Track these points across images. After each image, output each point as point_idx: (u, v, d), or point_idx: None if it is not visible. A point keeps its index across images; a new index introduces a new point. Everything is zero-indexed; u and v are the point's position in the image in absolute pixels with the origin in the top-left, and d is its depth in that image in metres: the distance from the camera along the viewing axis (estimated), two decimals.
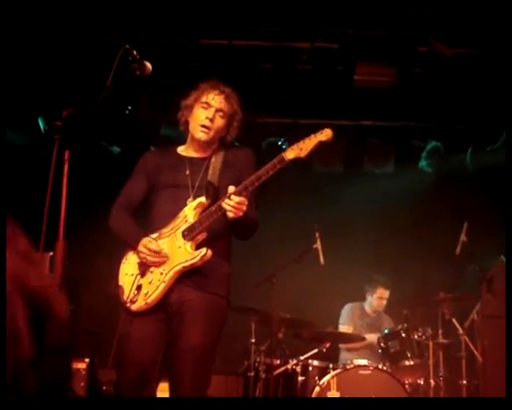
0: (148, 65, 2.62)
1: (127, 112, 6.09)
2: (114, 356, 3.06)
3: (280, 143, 6.57)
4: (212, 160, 3.19)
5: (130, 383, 3.00)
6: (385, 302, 6.10)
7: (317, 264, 5.18)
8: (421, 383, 5.26)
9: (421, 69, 5.70)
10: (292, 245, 5.70)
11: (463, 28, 5.09)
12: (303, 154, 2.96)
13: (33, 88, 5.44)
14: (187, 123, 3.25)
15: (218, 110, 3.16)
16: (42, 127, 5.52)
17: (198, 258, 2.98)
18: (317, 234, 5.16)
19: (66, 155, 2.20)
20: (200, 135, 3.17)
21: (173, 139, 3.46)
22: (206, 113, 3.15)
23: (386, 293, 6.07)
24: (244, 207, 2.94)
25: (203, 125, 3.16)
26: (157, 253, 3.03)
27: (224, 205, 2.94)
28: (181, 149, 3.31)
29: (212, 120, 3.15)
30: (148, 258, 3.03)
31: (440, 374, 5.19)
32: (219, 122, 3.18)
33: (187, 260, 3.00)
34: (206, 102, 3.16)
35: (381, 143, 6.76)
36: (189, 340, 2.96)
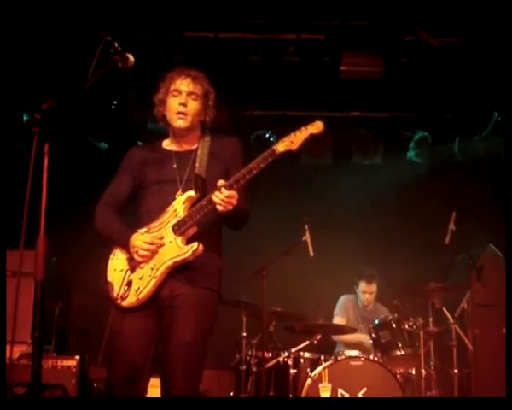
0: (131, 57, 2.59)
1: (113, 107, 6.04)
2: (104, 353, 3.04)
3: (268, 135, 6.55)
4: (199, 152, 3.16)
5: (121, 380, 2.98)
6: (368, 296, 6.04)
7: (307, 256, 5.17)
8: (413, 372, 5.28)
9: (408, 59, 5.69)
10: (281, 238, 5.69)
11: (450, 17, 5.08)
12: (294, 147, 2.94)
13: (12, 81, 5.37)
14: (164, 117, 3.21)
15: (189, 94, 3.13)
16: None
17: (190, 253, 2.95)
18: (307, 226, 5.16)
19: (46, 148, 2.16)
20: (179, 123, 3.14)
21: (160, 134, 3.43)
22: (178, 99, 3.13)
23: (370, 287, 6.01)
24: (234, 201, 2.92)
25: (178, 113, 3.13)
26: (151, 243, 2.99)
27: (213, 198, 2.91)
28: (166, 144, 3.28)
29: (185, 105, 3.12)
30: (140, 252, 2.99)
31: (432, 363, 5.20)
32: (193, 105, 3.14)
33: (178, 255, 2.97)
34: (176, 90, 3.14)
35: (370, 134, 6.75)
36: (181, 335, 2.93)
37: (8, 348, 3.93)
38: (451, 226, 5.21)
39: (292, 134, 2.97)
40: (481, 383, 5.45)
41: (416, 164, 6.87)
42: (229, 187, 2.91)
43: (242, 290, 5.36)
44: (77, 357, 4.83)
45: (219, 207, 2.91)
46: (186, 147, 3.21)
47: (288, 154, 2.96)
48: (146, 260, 3.01)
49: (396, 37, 5.39)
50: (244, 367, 5.18)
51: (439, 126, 6.65)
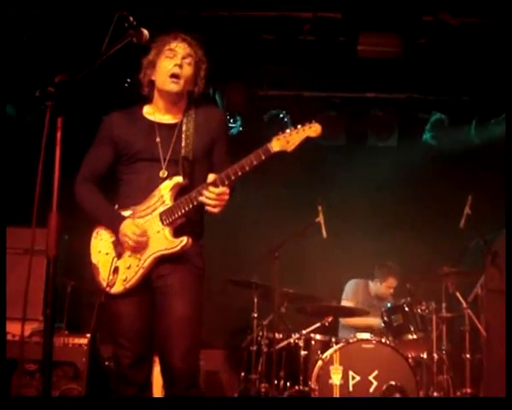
0: (145, 32, 2.54)
1: (126, 85, 6.00)
2: (94, 330, 3.03)
3: (282, 115, 6.47)
4: (183, 128, 3.03)
5: (129, 361, 2.97)
6: (392, 291, 6.06)
7: (320, 238, 5.14)
8: (425, 356, 5.26)
9: (427, 39, 5.59)
10: (295, 219, 5.66)
11: None
12: (289, 148, 2.85)
13: (23, 58, 5.33)
14: (151, 83, 3.05)
15: (184, 57, 2.99)
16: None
17: (178, 248, 2.91)
18: (320, 207, 5.12)
19: (59, 122, 2.12)
20: (172, 86, 2.98)
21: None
22: (174, 61, 2.98)
23: (395, 283, 6.04)
24: (226, 197, 2.86)
25: (173, 75, 2.97)
26: (142, 235, 2.92)
27: (204, 200, 2.84)
28: (147, 112, 3.11)
29: (181, 67, 2.98)
30: (130, 243, 2.92)
31: (443, 348, 5.18)
32: (188, 70, 3.01)
33: (166, 249, 2.92)
34: (171, 49, 2.99)
35: (385, 116, 6.66)
36: (174, 311, 2.90)
37: (19, 325, 3.95)
38: (467, 210, 5.16)
39: (287, 132, 2.86)
40: (493, 369, 5.41)
41: (432, 146, 6.79)
42: (220, 183, 2.84)
43: (254, 271, 5.35)
44: (88, 335, 4.85)
45: (212, 209, 2.85)
46: (170, 119, 3.08)
47: (283, 154, 2.86)
48: (137, 251, 2.94)
49: (414, 16, 5.28)
50: (255, 348, 5.18)
51: (455, 109, 6.56)
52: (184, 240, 2.90)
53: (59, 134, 2.10)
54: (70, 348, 4.79)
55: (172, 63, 2.98)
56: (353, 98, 6.56)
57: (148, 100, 3.12)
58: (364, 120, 6.72)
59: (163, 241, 2.93)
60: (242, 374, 5.47)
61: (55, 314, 2.15)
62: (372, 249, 6.23)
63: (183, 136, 3.01)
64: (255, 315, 5.24)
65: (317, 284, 6.13)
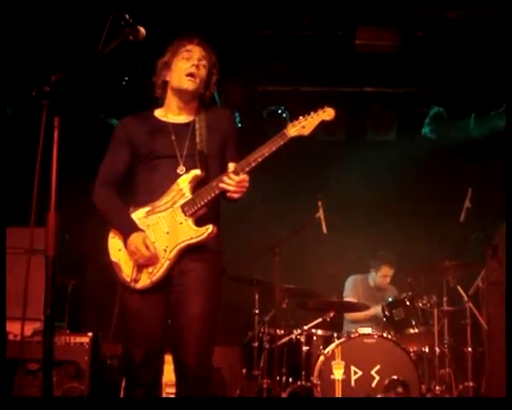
0: (142, 29, 2.53)
1: (124, 83, 5.99)
2: (115, 330, 3.02)
3: (280, 111, 6.47)
4: (197, 125, 3.09)
5: (140, 360, 2.95)
6: (388, 280, 6.09)
7: (321, 233, 5.14)
8: (426, 350, 5.27)
9: (425, 33, 5.58)
10: (295, 215, 5.66)
11: None
12: (306, 132, 2.97)
13: (19, 57, 5.32)
14: (165, 84, 3.13)
15: (200, 59, 3.07)
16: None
17: (205, 235, 2.93)
18: (320, 203, 5.12)
19: (56, 121, 2.12)
20: (188, 84, 3.04)
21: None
22: (190, 61, 3.05)
23: (390, 271, 6.05)
24: (247, 184, 2.92)
25: (189, 74, 3.04)
26: (149, 250, 2.91)
27: (224, 186, 2.89)
28: (159, 114, 3.17)
29: (197, 67, 3.06)
30: (138, 254, 2.90)
31: (445, 341, 5.18)
32: (203, 71, 3.09)
33: (192, 238, 2.93)
34: (187, 51, 3.06)
35: (384, 110, 6.66)
36: (192, 309, 2.91)
37: (19, 324, 3.95)
38: (467, 204, 5.16)
39: (302, 118, 2.98)
40: (495, 362, 5.41)
41: (431, 140, 6.78)
42: (240, 170, 2.89)
43: (255, 267, 5.35)
44: (90, 334, 4.86)
45: (234, 195, 2.90)
46: (182, 119, 3.13)
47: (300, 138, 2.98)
48: (143, 265, 2.93)
49: (413, 10, 5.26)
50: (256, 344, 5.19)
51: (454, 102, 6.54)
52: (210, 227, 2.93)
53: (56, 133, 2.10)
54: (72, 347, 4.80)
55: (189, 63, 3.05)
56: (352, 93, 6.54)
57: (157, 104, 3.19)
58: (363, 114, 6.72)
59: (188, 231, 2.94)
60: (244, 371, 5.47)
61: (55, 314, 2.15)
62: (373, 244, 6.23)
63: (197, 133, 3.07)
64: (256, 311, 5.24)
65: (317, 280, 6.12)
